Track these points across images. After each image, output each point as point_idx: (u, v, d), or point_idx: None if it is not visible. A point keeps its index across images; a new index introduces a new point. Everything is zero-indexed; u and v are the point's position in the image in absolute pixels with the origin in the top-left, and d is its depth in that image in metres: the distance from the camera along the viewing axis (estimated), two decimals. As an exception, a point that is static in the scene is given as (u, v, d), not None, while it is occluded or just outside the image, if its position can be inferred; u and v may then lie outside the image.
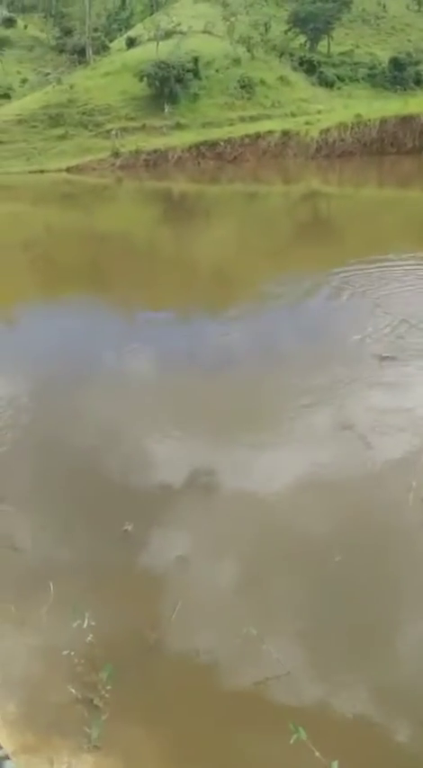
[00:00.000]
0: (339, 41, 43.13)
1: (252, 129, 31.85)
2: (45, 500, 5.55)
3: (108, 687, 3.69)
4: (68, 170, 31.83)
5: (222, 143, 31.30)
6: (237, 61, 37.28)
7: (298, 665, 3.81)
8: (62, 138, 35.26)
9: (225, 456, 5.90)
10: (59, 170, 31.94)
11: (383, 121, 29.07)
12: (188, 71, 34.98)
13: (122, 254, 15.75)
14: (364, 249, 13.10)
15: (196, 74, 35.45)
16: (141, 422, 6.72)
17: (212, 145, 31.42)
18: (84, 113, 36.32)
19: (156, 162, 31.52)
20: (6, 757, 3.19)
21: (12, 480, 5.70)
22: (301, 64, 40.58)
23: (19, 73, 47.45)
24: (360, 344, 8.03)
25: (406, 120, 28.71)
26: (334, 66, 41.55)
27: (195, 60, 35.52)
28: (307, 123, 31.19)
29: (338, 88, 40.43)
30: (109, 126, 35.00)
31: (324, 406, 6.65)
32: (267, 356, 8.13)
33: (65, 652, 3.88)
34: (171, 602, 4.28)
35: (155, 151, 31.83)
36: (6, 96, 43.55)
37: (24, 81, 45.62)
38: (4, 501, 5.28)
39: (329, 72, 40.49)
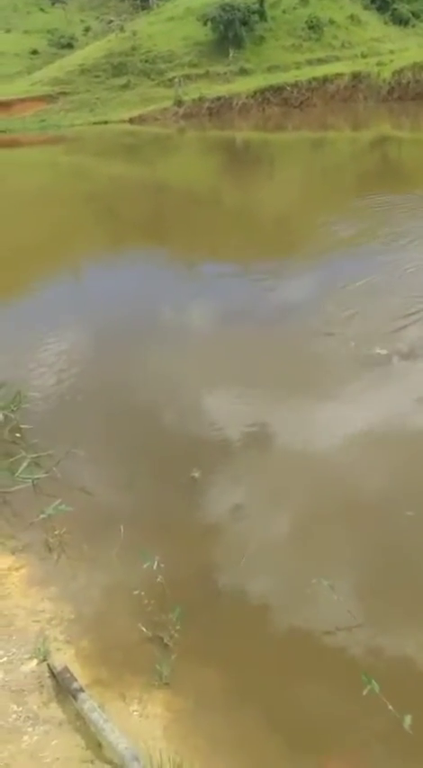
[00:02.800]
0: (416, -27, 40.31)
1: (320, 72, 30.48)
2: (114, 446, 5.63)
3: (177, 627, 3.74)
4: (131, 120, 31.53)
5: (288, 87, 30.14)
6: (304, 0, 35.47)
7: (370, 617, 3.74)
8: (125, 87, 34.84)
9: (288, 408, 5.81)
10: (122, 120, 31.67)
11: (462, 60, 27.18)
12: (254, 12, 33.64)
13: (185, 206, 15.54)
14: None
15: (262, 15, 34.05)
16: (204, 373, 6.67)
17: (278, 90, 30.30)
18: (146, 61, 35.66)
19: (219, 110, 30.73)
20: (81, 689, 3.29)
21: (83, 426, 5.80)
22: (372, 1, 38.27)
23: (82, 21, 46.88)
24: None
25: None
26: (408, 1, 38.93)
27: (261, 1, 34.00)
28: (379, 64, 29.56)
29: (413, 26, 37.99)
30: (172, 74, 34.28)
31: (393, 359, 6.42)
32: (328, 306, 7.87)
33: (135, 592, 3.95)
34: (240, 549, 4.27)
35: (218, 99, 31.01)
36: (69, 46, 43.24)
37: (87, 29, 45.13)
38: (77, 445, 5.36)
39: (404, 8, 38.05)
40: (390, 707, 3.05)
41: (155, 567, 4.10)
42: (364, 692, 3.05)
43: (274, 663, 3.64)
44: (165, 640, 3.73)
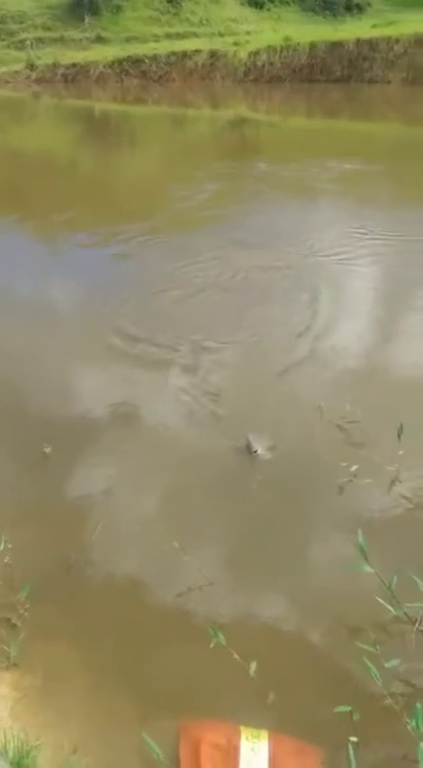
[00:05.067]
0: (270, -42, 41.23)
1: (178, 46, 30.27)
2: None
3: (27, 606, 3.63)
4: (-21, 82, 29.38)
5: (147, 60, 29.64)
6: (162, -28, 34.97)
7: (220, 578, 3.87)
8: (-29, 46, 32.32)
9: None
10: (-31, 81, 29.42)
11: (313, 47, 28.29)
12: (109, -21, 32.55)
13: (42, 175, 14.84)
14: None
15: (118, -17, 33.06)
16: (56, 348, 6.45)
17: (136, 62, 29.69)
18: (-5, 20, 33.28)
19: (75, 77, 29.55)
20: None
21: None
22: (229, -20, 38.59)
23: None
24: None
25: (335, 47, 28.04)
26: (263, -16, 39.78)
27: (118, -33, 33.03)
28: (235, 44, 29.94)
29: (268, 9, 38.85)
30: (23, 35, 32.32)
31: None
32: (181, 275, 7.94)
33: (-20, 574, 3.77)
34: (91, 523, 4.22)
35: (74, 65, 29.78)
36: None
37: None
38: None
39: (259, -9, 38.78)
40: (235, 656, 3.19)
41: (1, 547, 3.95)
42: (211, 645, 3.16)
43: (127, 631, 3.65)
44: (13, 620, 3.61)
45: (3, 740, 2.87)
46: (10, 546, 3.93)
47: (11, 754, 2.69)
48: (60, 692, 3.26)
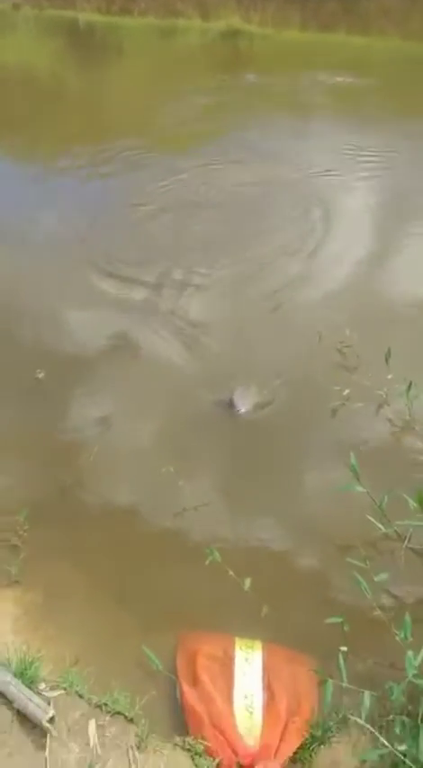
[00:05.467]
0: None
1: None
2: None
3: (26, 528, 3.70)
4: None
5: (133, -34, 27.65)
6: None
7: (216, 499, 3.94)
8: None
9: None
10: None
11: None
12: None
13: (22, 92, 14.12)
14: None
15: None
16: (42, 274, 6.29)
17: (122, -33, 27.71)
18: None
19: (57, -15, 27.60)
20: None
21: None
22: None
23: None
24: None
25: None
26: None
27: None
28: None
29: None
30: None
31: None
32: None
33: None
34: (88, 447, 4.25)
35: (56, -28, 27.76)
36: None
37: None
38: None
39: None
40: (231, 573, 3.29)
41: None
42: (207, 563, 3.25)
43: (125, 551, 3.74)
44: (12, 541, 3.69)
45: (6, 653, 2.99)
46: (4, 470, 3.98)
47: (14, 666, 2.80)
48: (61, 608, 3.37)
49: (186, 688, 2.93)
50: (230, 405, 4.56)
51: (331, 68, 13.25)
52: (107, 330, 5.39)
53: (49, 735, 2.51)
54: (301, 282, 5.87)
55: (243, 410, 4.55)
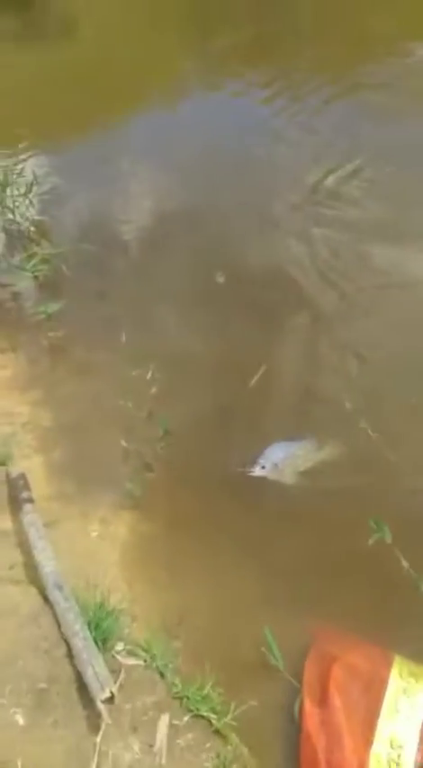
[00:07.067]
0: None
1: None
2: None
3: (162, 445, 3.08)
4: None
5: None
6: None
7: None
8: None
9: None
10: None
11: None
12: None
13: None
14: None
15: None
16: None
17: None
18: None
19: None
20: (29, 500, 2.74)
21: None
22: None
23: None
24: None
25: None
26: None
27: None
28: None
29: None
30: None
31: None
32: None
33: (121, 402, 3.27)
34: (250, 369, 3.42)
35: None
36: None
37: None
38: (85, 240, 4.55)
39: None
40: (404, 563, 2.27)
41: (149, 376, 3.41)
42: (371, 542, 2.27)
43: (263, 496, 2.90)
44: (146, 459, 3.10)
45: (104, 586, 2.41)
46: (158, 376, 3.38)
47: (92, 612, 2.15)
48: (181, 549, 2.69)
49: (310, 707, 2.04)
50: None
51: None
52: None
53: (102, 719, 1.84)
54: None
55: None
